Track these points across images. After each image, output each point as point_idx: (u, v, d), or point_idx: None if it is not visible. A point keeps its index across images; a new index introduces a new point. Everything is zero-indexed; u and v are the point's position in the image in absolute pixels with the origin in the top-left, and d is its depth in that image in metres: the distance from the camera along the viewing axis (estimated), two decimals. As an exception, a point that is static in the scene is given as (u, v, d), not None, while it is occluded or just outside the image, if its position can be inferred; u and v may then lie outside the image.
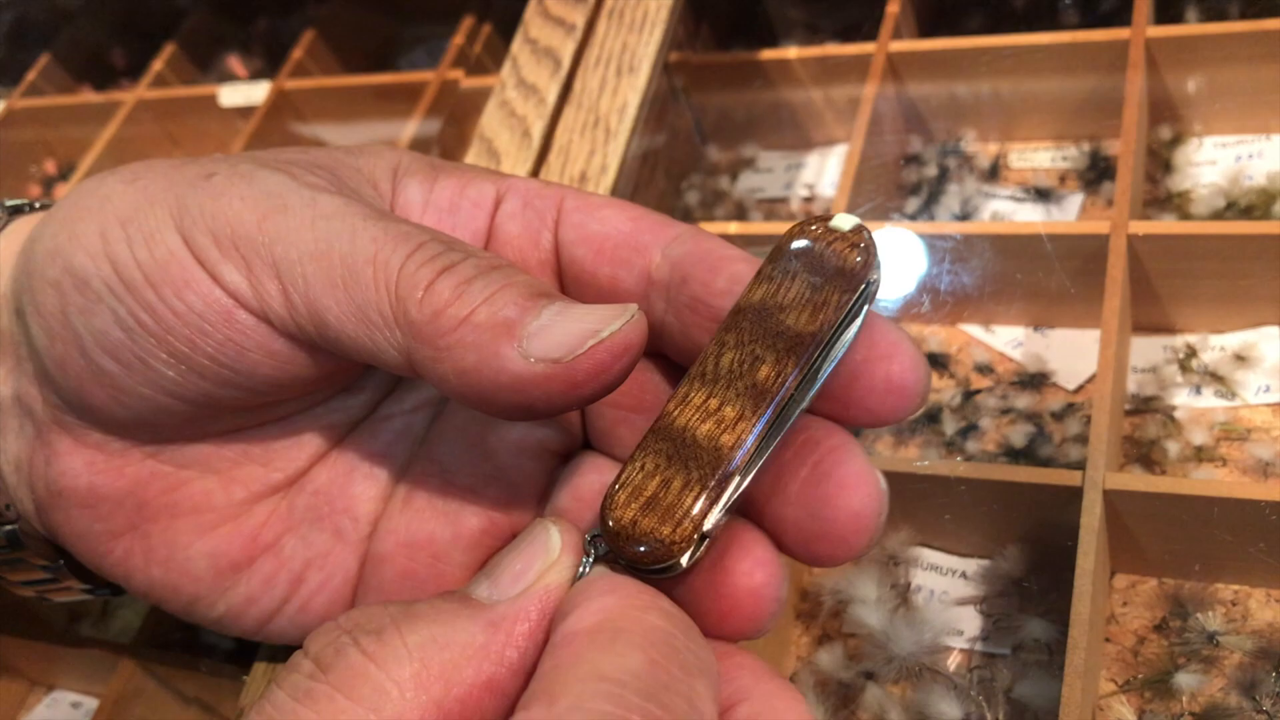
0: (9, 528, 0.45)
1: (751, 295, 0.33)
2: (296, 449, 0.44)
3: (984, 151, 0.83)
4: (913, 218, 0.79)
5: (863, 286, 0.32)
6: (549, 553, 0.33)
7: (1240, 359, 0.67)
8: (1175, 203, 0.73)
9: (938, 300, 0.74)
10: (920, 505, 0.64)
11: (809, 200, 0.84)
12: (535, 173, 0.71)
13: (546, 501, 0.43)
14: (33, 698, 0.82)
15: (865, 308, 0.32)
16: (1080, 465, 0.66)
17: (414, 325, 0.34)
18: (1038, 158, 0.82)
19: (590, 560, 0.33)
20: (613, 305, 0.33)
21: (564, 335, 0.32)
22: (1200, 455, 0.65)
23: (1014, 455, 0.67)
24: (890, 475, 0.63)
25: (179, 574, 0.44)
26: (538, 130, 0.74)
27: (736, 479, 0.31)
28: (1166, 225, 0.67)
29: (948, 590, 0.65)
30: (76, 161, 1.15)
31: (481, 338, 0.32)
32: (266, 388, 0.39)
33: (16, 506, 0.45)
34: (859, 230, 0.33)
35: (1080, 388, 0.70)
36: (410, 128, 0.95)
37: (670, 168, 0.89)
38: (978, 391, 0.71)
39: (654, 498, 0.31)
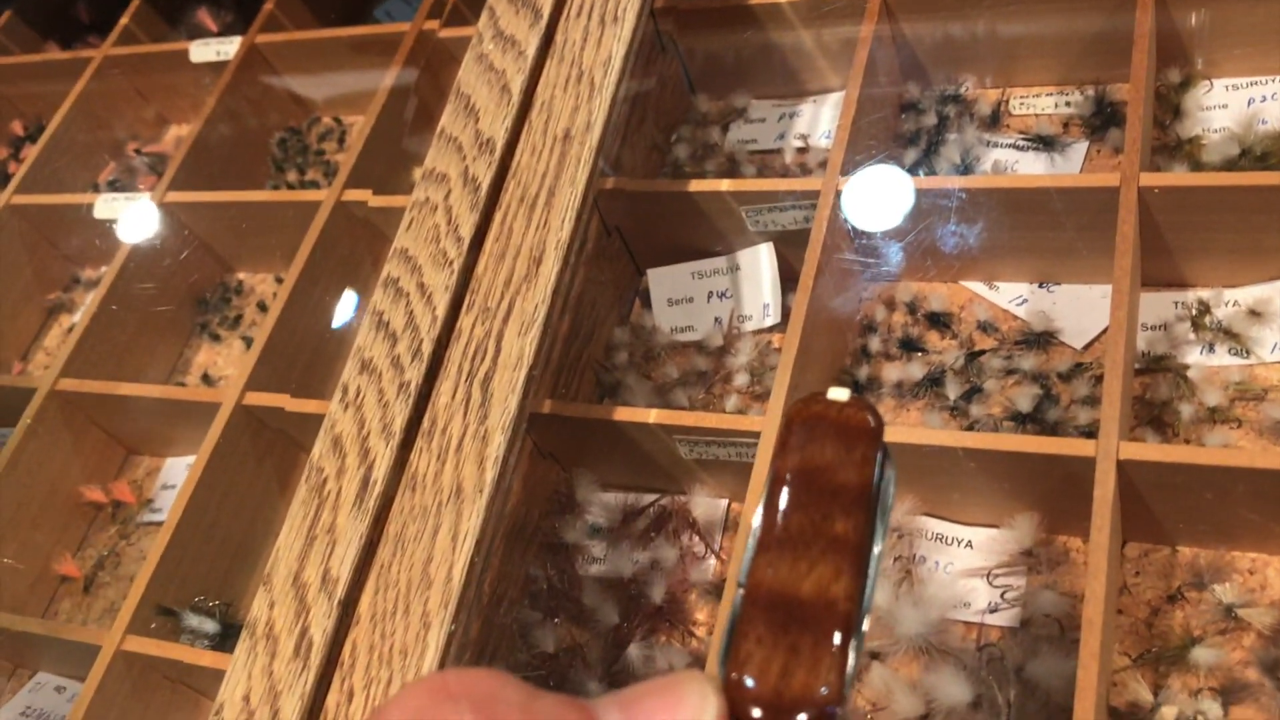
0: None
1: (785, 463, 0.34)
2: None
3: (984, 98, 0.79)
4: (912, 170, 0.76)
5: (882, 439, 0.34)
6: (699, 716, 0.30)
7: (1255, 314, 0.64)
8: (1186, 150, 0.70)
9: (938, 257, 0.72)
10: (925, 475, 0.62)
11: (803, 151, 0.81)
12: (515, 131, 0.67)
13: None
14: (16, 681, 0.80)
15: (889, 460, 0.34)
16: (1090, 429, 0.64)
17: None
18: (1040, 103, 0.78)
19: None
20: None
21: None
22: (1215, 417, 0.62)
23: (1020, 420, 0.65)
24: (894, 446, 0.61)
25: None
26: (517, 85, 0.70)
27: (857, 629, 0.31)
28: (1179, 177, 0.63)
29: (953, 561, 0.63)
30: (44, 120, 1.11)
31: None
32: None
33: None
34: (858, 399, 0.35)
35: (1088, 346, 0.68)
36: (387, 81, 0.92)
37: (658, 119, 0.86)
38: (981, 352, 0.69)
39: (788, 665, 0.31)
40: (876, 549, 0.33)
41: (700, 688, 0.31)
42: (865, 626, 0.31)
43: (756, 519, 0.33)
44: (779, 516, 0.33)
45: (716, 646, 0.55)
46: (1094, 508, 0.54)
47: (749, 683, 0.31)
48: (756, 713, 0.30)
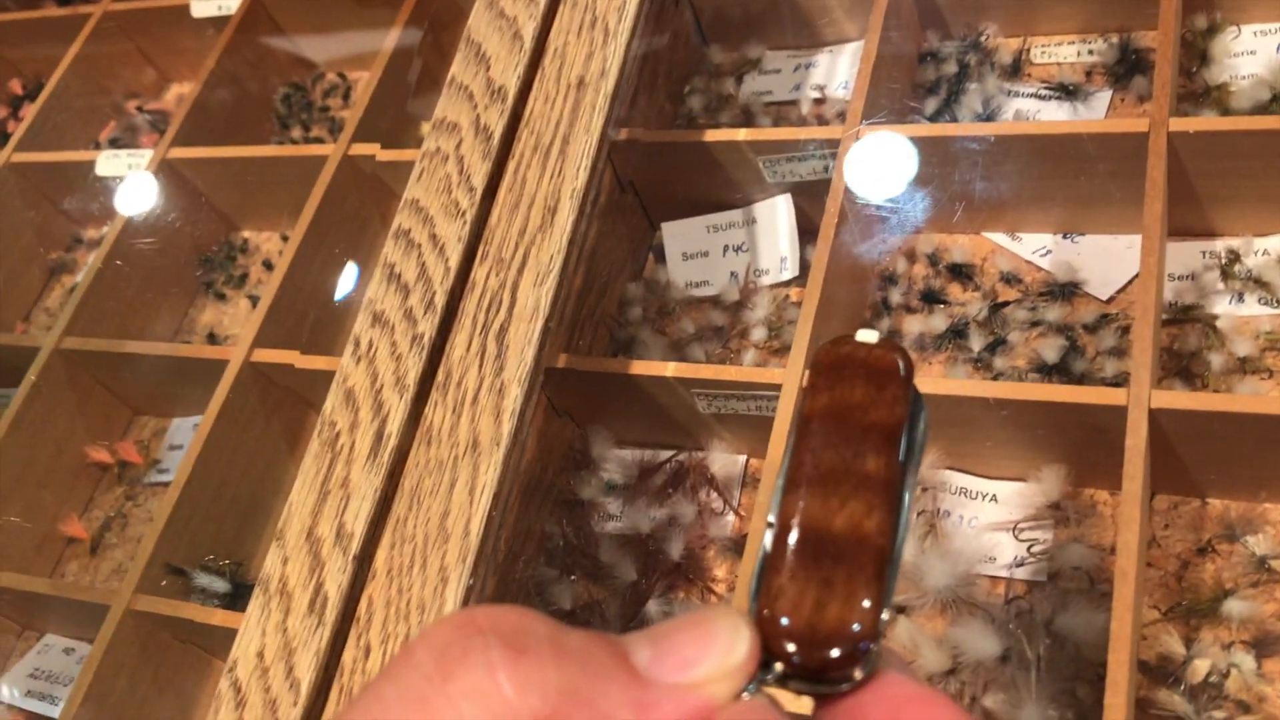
0: None
1: (815, 404, 0.33)
2: None
3: (1005, 46, 0.77)
4: (932, 119, 0.74)
5: (913, 380, 0.33)
6: (730, 655, 0.29)
7: (1285, 263, 0.63)
8: (1214, 97, 0.68)
9: (960, 208, 0.70)
10: (949, 428, 0.61)
11: (820, 102, 0.79)
12: (527, 79, 0.66)
13: None
14: (23, 643, 0.79)
15: (920, 400, 0.33)
16: (1117, 381, 0.63)
17: None
18: (1062, 52, 0.77)
19: (755, 685, 0.30)
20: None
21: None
22: (1245, 367, 0.61)
23: (1046, 371, 0.63)
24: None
25: None
26: (529, 32, 0.68)
27: (890, 565, 0.31)
28: (1209, 121, 0.62)
29: (978, 515, 0.62)
30: (44, 78, 1.09)
31: None
32: None
33: None
34: (887, 340, 0.34)
35: (1113, 297, 0.66)
36: (392, 34, 0.90)
37: (670, 70, 0.84)
38: (1005, 304, 0.67)
39: (821, 598, 0.30)
40: (909, 487, 0.32)
41: (732, 621, 0.30)
42: (898, 564, 0.31)
43: (785, 458, 0.33)
44: (809, 455, 0.32)
45: (746, 585, 0.54)
46: (1126, 457, 0.53)
47: (781, 617, 0.30)
48: (790, 647, 0.30)
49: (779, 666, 0.30)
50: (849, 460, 0.32)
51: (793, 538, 0.31)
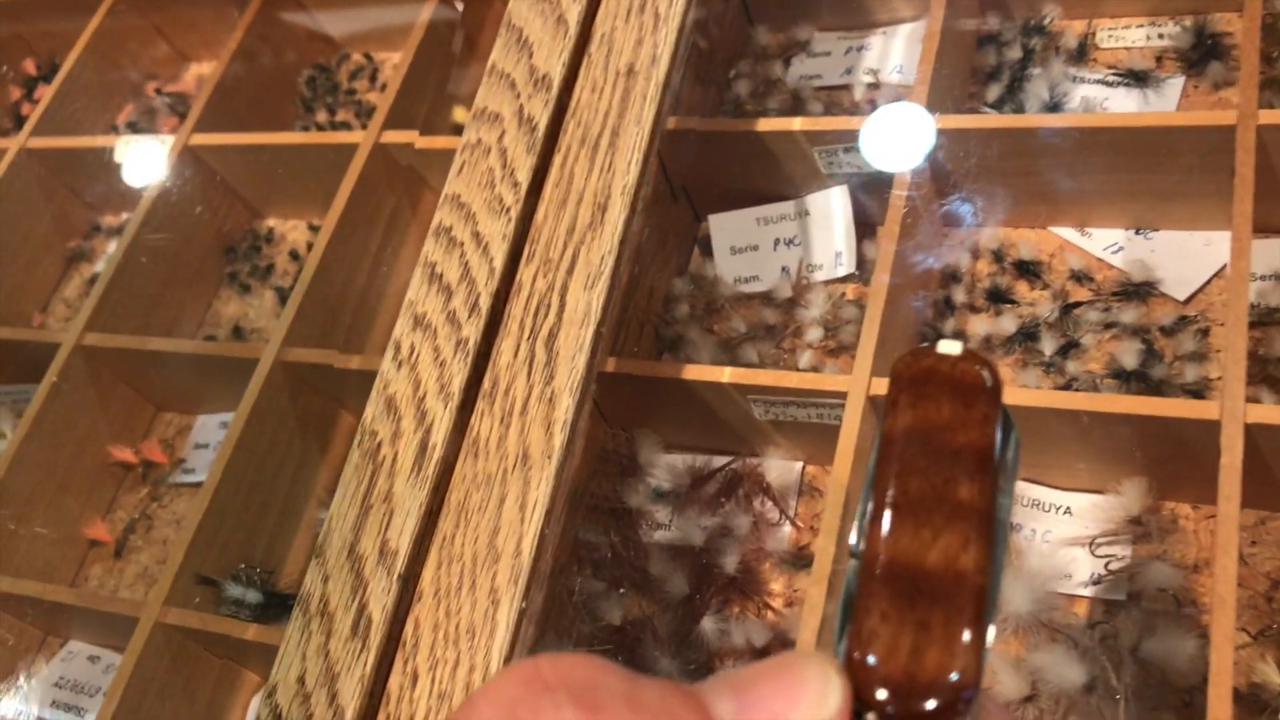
0: None
1: (898, 422, 0.31)
2: None
3: (1070, 29, 0.74)
4: (995, 107, 0.71)
5: (1002, 396, 0.31)
6: (821, 707, 0.27)
7: (1377, 262, 0.60)
8: (1298, 85, 0.65)
9: (1027, 201, 0.67)
10: (1024, 437, 0.57)
11: (874, 88, 0.75)
12: (573, 66, 0.63)
13: None
14: (46, 650, 0.76)
15: (1010, 419, 0.31)
16: (1196, 387, 0.60)
17: None
18: (1130, 35, 0.73)
19: None
20: None
21: None
22: (1336, 374, 0.58)
23: (1124, 377, 0.60)
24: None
25: None
26: (574, 16, 0.65)
27: (989, 604, 0.28)
28: (1301, 113, 0.58)
29: (1051, 529, 0.59)
30: (59, 59, 1.06)
31: None
32: None
33: None
34: (971, 351, 0.32)
35: (1191, 297, 0.63)
36: (426, 13, 0.86)
37: (715, 54, 0.81)
38: (1078, 304, 0.64)
39: (918, 643, 0.28)
40: (1004, 516, 0.30)
41: (821, 670, 0.28)
42: (996, 601, 0.28)
43: (868, 481, 0.31)
44: (895, 480, 0.30)
45: (811, 605, 0.51)
46: (1221, 476, 0.50)
47: (874, 663, 0.28)
48: (884, 695, 0.28)
49: (871, 717, 0.28)
50: (939, 487, 0.30)
51: (882, 573, 0.29)
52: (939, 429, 0.30)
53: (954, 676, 0.27)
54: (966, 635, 0.27)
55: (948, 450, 0.30)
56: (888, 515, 0.30)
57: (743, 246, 0.73)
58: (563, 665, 0.26)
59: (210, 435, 0.81)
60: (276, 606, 0.69)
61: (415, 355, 0.58)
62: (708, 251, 0.74)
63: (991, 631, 0.28)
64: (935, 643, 0.27)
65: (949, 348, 0.31)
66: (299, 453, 0.75)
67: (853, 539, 0.30)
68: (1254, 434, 0.51)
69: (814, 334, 0.68)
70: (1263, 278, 0.62)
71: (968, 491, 0.29)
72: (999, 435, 0.31)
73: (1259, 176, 0.59)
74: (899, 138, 0.64)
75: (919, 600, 0.28)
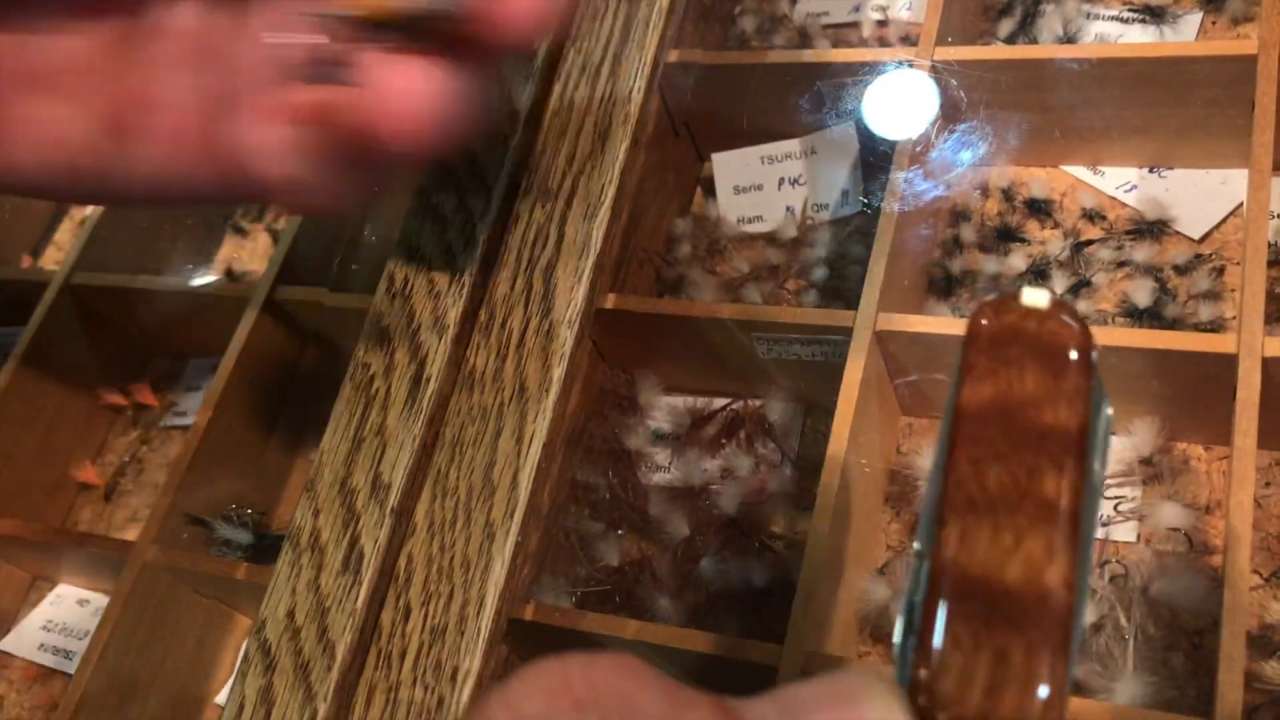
0: None
1: (975, 395, 0.27)
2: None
3: (1084, -36, 0.72)
4: (1009, 41, 0.69)
5: (1095, 366, 0.27)
6: None
7: (1398, 199, 0.58)
8: (1319, 19, 0.63)
9: (1037, 138, 0.65)
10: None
11: (883, 25, 0.73)
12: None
13: None
14: (35, 593, 0.75)
15: (1103, 390, 0.27)
16: (1212, 326, 0.58)
17: None
18: (1146, -29, 0.71)
19: None
20: None
21: None
22: (1355, 312, 0.56)
23: (1136, 315, 0.59)
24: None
25: (50, 148, 0.39)
26: (576, -55, 0.63)
27: (1077, 627, 0.25)
28: (1323, 44, 0.57)
29: (1060, 470, 0.57)
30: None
31: None
32: None
33: None
34: (1061, 304, 0.27)
35: (1206, 235, 0.61)
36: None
37: (719, -9, 0.79)
38: (1089, 242, 0.62)
39: (996, 680, 0.24)
40: (1093, 513, 0.26)
41: (885, 704, 0.25)
42: (1083, 621, 0.26)
43: (937, 466, 0.26)
44: (970, 468, 0.26)
45: (813, 562, 0.50)
46: (1238, 410, 0.48)
47: (947, 701, 0.25)
48: None
49: None
50: (1021, 479, 0.26)
51: (954, 587, 0.25)
52: (1022, 404, 0.27)
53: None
54: (1051, 669, 0.24)
55: (1032, 432, 0.26)
56: (961, 513, 0.26)
57: (746, 186, 0.71)
58: (596, 675, 0.23)
59: (203, 378, 0.80)
60: (268, 548, 0.68)
61: (409, 286, 0.57)
62: (710, 192, 0.72)
63: (1074, 665, 0.25)
64: (1015, 679, 0.24)
65: (1034, 299, 0.28)
66: (291, 393, 0.73)
67: (919, 537, 0.27)
68: (1271, 369, 0.49)
69: (819, 274, 0.66)
70: (1278, 216, 0.60)
71: (1054, 486, 0.26)
72: (1090, 407, 0.27)
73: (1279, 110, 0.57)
74: (905, 102, 0.63)
75: (996, 623, 0.25)
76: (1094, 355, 0.27)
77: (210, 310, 0.76)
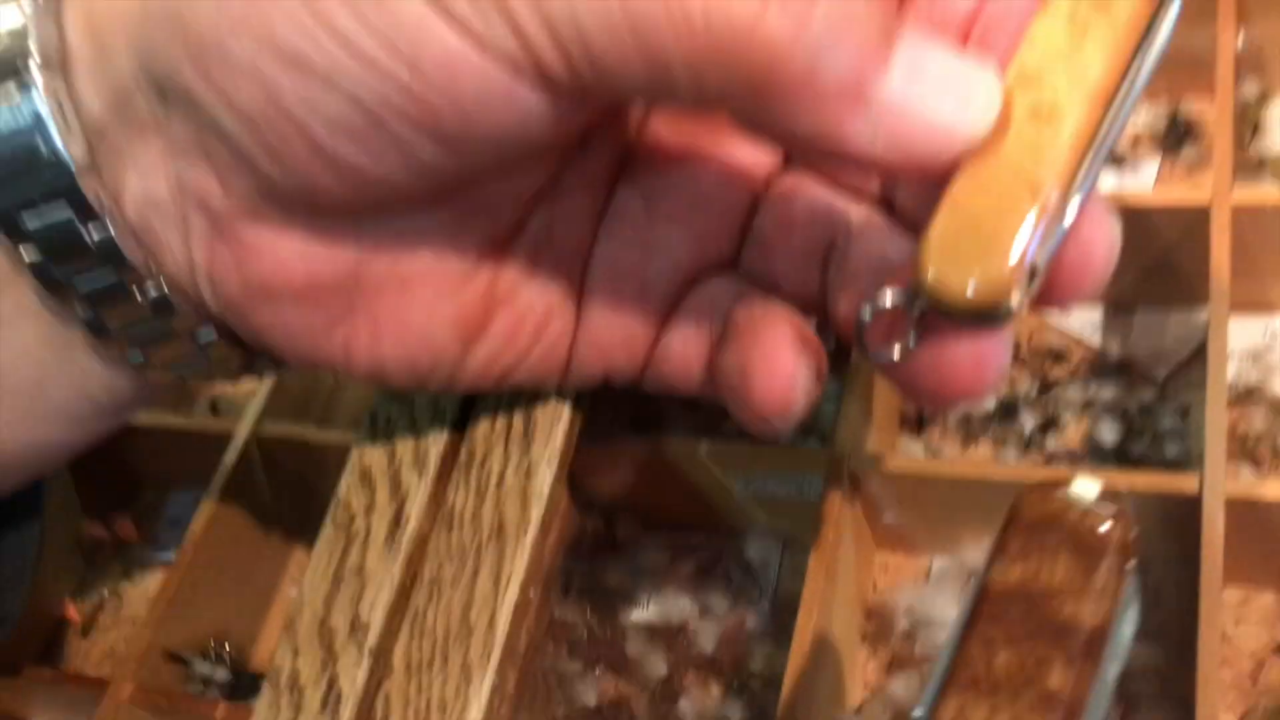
0: (156, 292, 0.39)
1: (1006, 576, 0.28)
2: (516, 194, 0.40)
3: (1045, 114, 0.75)
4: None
5: (1131, 563, 0.28)
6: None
7: (1352, 342, 0.60)
8: (1271, 169, 0.66)
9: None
10: (1000, 513, 0.57)
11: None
12: None
13: (749, 230, 0.42)
14: (8, 732, 0.74)
15: (1136, 588, 0.28)
16: (1178, 463, 0.59)
17: (736, 79, 0.29)
18: (1105, 120, 0.74)
19: None
20: (971, 68, 0.30)
21: (923, 124, 0.29)
22: (1315, 452, 0.58)
23: (1103, 454, 0.60)
24: (966, 481, 0.56)
25: (417, 346, 0.42)
26: None
27: None
28: (1274, 194, 0.59)
29: (1034, 607, 0.58)
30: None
31: (825, 103, 0.28)
32: (535, 149, 0.36)
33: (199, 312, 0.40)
34: (1113, 499, 0.29)
35: (1169, 376, 0.63)
36: None
37: None
38: (1056, 382, 0.64)
39: None
40: (1098, 716, 0.27)
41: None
42: None
43: (953, 637, 0.27)
44: (981, 647, 0.27)
45: (789, 702, 0.50)
46: (1203, 551, 0.49)
47: None
48: None
49: None
50: (1029, 667, 0.27)
51: None
52: (1048, 593, 0.27)
53: None
54: None
55: (1052, 622, 0.27)
56: (962, 689, 0.27)
57: (723, 324, 0.73)
58: None
59: (184, 511, 0.80)
60: (246, 685, 0.67)
61: (391, 425, 0.58)
62: (688, 329, 0.74)
63: None
64: None
65: (1084, 490, 0.29)
66: (274, 528, 0.74)
67: (923, 702, 0.27)
68: (1235, 508, 0.51)
69: (794, 411, 0.67)
70: (1240, 356, 0.62)
71: (1061, 679, 0.26)
72: (1117, 609, 0.27)
73: (1233, 255, 0.60)
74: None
75: None
76: (1132, 561, 0.28)
77: (194, 445, 0.77)
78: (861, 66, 0.28)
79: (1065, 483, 0.29)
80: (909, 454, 0.64)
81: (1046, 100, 0.30)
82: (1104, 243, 0.33)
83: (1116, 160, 0.71)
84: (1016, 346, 0.66)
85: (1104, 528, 0.28)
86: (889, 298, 0.33)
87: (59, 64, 0.36)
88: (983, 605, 0.27)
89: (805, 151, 0.30)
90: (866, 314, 0.33)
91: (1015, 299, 0.29)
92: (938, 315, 0.31)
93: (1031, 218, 0.29)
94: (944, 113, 0.29)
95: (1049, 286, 0.32)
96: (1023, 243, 0.29)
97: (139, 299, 0.39)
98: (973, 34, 0.36)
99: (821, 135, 0.29)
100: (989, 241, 0.29)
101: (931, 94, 0.29)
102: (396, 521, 0.55)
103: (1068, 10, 0.31)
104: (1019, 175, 0.29)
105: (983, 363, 0.35)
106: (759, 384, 0.38)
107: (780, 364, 0.37)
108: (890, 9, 0.30)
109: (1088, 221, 0.32)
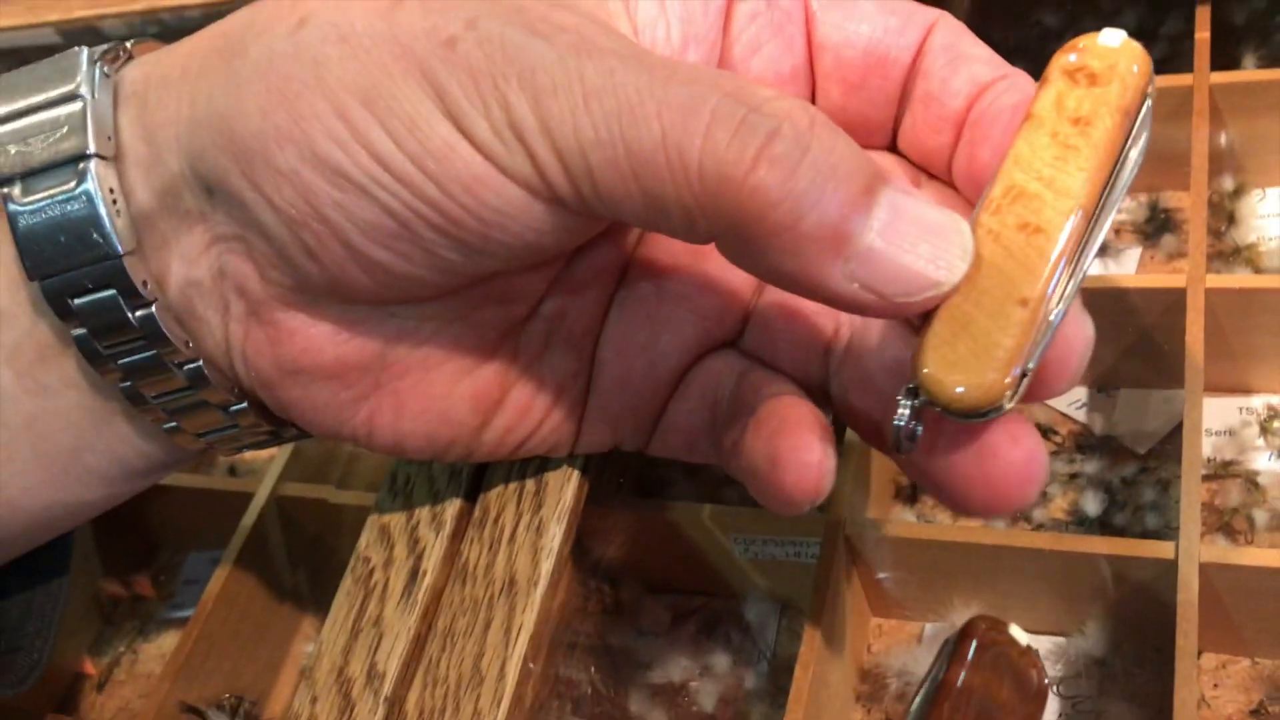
0: (191, 366, 0.42)
1: (961, 677, 0.35)
2: (532, 283, 0.44)
3: (1033, 203, 0.79)
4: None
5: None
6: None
7: (1323, 421, 0.63)
8: (1245, 256, 0.70)
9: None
10: (989, 578, 0.60)
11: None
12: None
13: (754, 311, 0.45)
14: (22, 784, 0.76)
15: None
16: (1158, 534, 0.62)
17: (726, 222, 0.32)
18: (1090, 210, 0.78)
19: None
20: (943, 217, 0.32)
21: (899, 272, 0.31)
22: (1288, 524, 0.61)
23: (1088, 524, 0.63)
24: (957, 546, 0.59)
25: (436, 422, 0.45)
26: None
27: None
28: (1244, 279, 0.63)
29: (1021, 670, 0.60)
30: None
31: (808, 249, 0.31)
32: (548, 254, 0.40)
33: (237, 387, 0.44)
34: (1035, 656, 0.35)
35: (1150, 451, 0.66)
36: None
37: None
38: (1043, 455, 0.67)
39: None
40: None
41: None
42: None
43: (918, 707, 0.33)
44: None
45: (784, 752, 0.53)
46: (1179, 613, 0.52)
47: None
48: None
49: None
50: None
51: None
52: (991, 702, 0.32)
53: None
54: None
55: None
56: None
57: (725, 397, 0.76)
58: None
59: (202, 571, 0.82)
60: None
61: (410, 485, 0.61)
62: (692, 402, 0.77)
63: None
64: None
65: (1018, 634, 0.32)
66: (290, 587, 0.76)
67: None
68: (1210, 574, 0.53)
69: (792, 480, 0.70)
70: (1217, 433, 0.65)
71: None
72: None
73: (1209, 338, 0.63)
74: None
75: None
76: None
77: (213, 505, 0.80)
78: (843, 217, 0.30)
79: (1006, 625, 0.33)
80: (903, 521, 0.66)
81: (1033, 217, 0.33)
82: (1082, 340, 0.34)
83: (1101, 249, 0.74)
84: (1005, 422, 0.69)
85: (1036, 671, 0.32)
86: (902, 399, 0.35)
87: (114, 159, 0.39)
88: (941, 695, 0.32)
89: (789, 289, 0.32)
90: (902, 420, 0.34)
91: (1006, 402, 0.32)
92: (933, 409, 0.34)
93: (1020, 329, 0.31)
94: (918, 263, 0.31)
95: (1032, 383, 0.34)
96: (1012, 353, 0.31)
97: (175, 372, 0.42)
98: (965, 128, 0.39)
99: (804, 277, 0.31)
100: (982, 351, 0.31)
101: (908, 245, 0.31)
102: (413, 575, 0.57)
103: (1050, 129, 0.34)
104: (1009, 288, 0.32)
105: (1028, 472, 0.35)
106: (791, 476, 0.39)
107: (811, 456, 0.39)
108: (873, 162, 0.33)
109: (1068, 322, 0.34)
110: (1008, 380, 0.31)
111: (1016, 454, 0.35)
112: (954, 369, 0.32)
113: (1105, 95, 0.34)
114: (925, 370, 0.32)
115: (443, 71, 0.34)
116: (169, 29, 0.92)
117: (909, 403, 0.33)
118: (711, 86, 0.32)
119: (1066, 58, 0.35)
